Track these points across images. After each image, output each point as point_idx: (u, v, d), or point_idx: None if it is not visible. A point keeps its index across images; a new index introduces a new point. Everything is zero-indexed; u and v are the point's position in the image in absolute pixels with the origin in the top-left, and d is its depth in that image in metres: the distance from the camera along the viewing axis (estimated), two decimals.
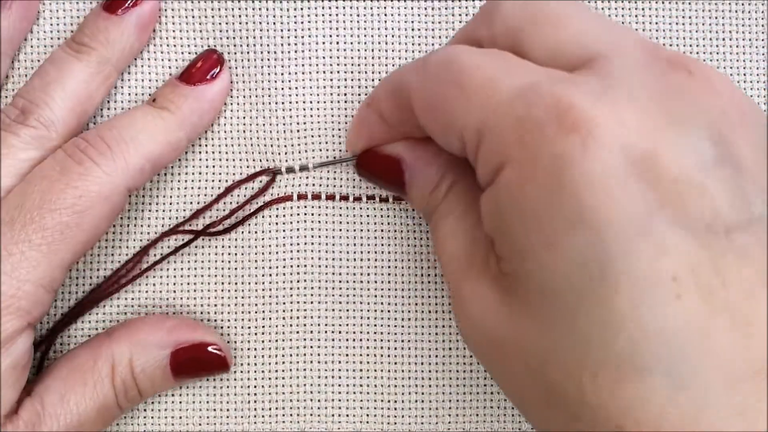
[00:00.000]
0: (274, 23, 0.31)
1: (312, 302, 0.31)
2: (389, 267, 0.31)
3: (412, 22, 0.32)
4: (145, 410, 0.31)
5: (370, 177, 0.29)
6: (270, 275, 0.31)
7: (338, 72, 0.31)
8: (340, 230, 0.31)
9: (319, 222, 0.31)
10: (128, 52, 0.30)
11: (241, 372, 0.31)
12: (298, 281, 0.31)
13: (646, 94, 0.21)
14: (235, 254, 0.31)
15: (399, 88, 0.26)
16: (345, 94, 0.31)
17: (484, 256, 0.24)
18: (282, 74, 0.31)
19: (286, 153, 0.31)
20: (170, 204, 0.31)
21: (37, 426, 0.27)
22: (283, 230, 0.31)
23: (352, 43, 0.31)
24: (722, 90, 0.22)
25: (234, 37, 0.31)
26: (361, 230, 0.31)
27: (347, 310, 0.31)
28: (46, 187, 0.27)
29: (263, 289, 0.31)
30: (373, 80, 0.31)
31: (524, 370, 0.22)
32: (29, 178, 0.28)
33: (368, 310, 0.31)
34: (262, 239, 0.31)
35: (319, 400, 0.31)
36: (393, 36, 0.32)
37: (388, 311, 0.31)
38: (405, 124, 0.27)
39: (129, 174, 0.28)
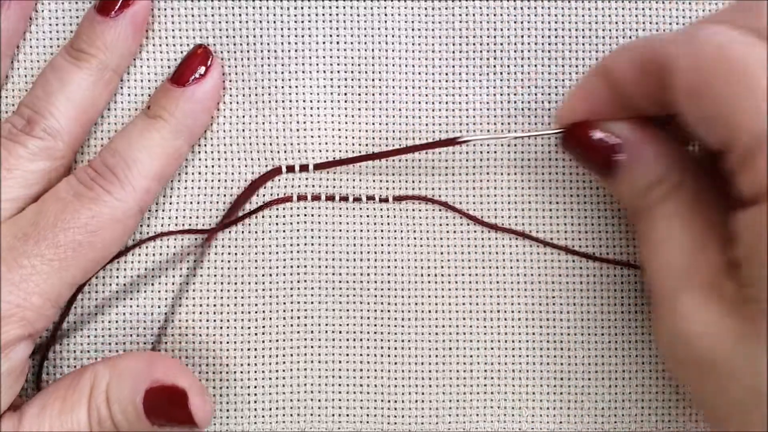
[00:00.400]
0: (274, 22, 0.31)
1: (312, 302, 0.31)
2: (389, 267, 0.31)
3: (412, 22, 0.32)
4: None
5: (578, 152, 0.28)
6: (270, 275, 0.31)
7: (338, 72, 0.31)
8: (340, 230, 0.31)
9: (319, 222, 0.31)
10: (126, 55, 0.30)
11: (241, 372, 0.31)
12: (298, 281, 0.31)
13: None
14: (235, 254, 0.31)
15: (652, 60, 0.24)
16: (345, 94, 0.31)
17: (713, 271, 0.24)
18: (282, 73, 0.31)
19: (285, 152, 0.31)
20: (170, 204, 0.31)
21: None
22: (283, 230, 0.31)
23: (352, 43, 0.31)
24: None
25: (234, 36, 0.31)
26: (361, 230, 0.31)
27: (347, 311, 0.31)
28: (60, 208, 0.28)
29: (263, 289, 0.31)
30: (373, 80, 0.31)
31: (745, 394, 0.22)
32: (44, 199, 0.28)
33: (368, 310, 0.31)
34: (262, 239, 0.31)
35: (319, 400, 0.31)
36: (393, 36, 0.32)
37: (388, 311, 0.31)
38: (646, 98, 0.25)
39: (138, 197, 0.29)
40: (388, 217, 0.31)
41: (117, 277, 0.31)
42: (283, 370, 0.31)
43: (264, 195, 0.31)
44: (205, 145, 0.31)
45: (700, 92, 0.23)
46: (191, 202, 0.31)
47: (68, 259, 0.27)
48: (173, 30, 0.31)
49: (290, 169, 0.31)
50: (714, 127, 0.23)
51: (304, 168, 0.31)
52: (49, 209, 0.28)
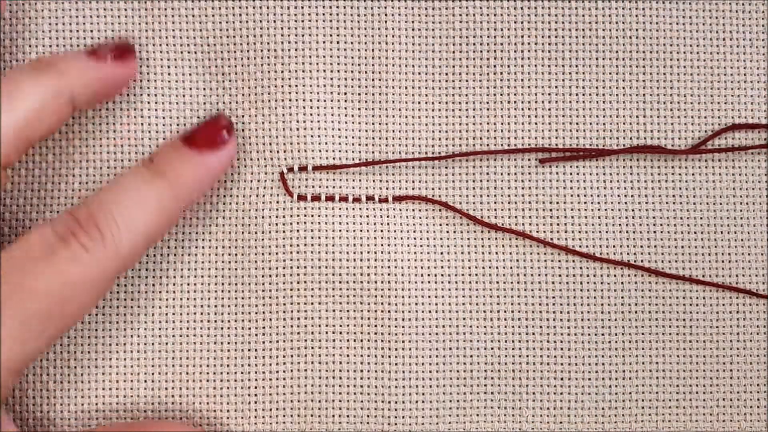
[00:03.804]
0: (274, 22, 0.31)
1: (312, 303, 0.31)
2: (389, 267, 0.31)
3: (412, 22, 0.32)
4: (146, 411, 0.31)
5: None
6: (270, 276, 0.31)
7: (338, 72, 0.31)
8: (340, 231, 0.31)
9: (319, 223, 0.31)
10: (90, 84, 0.28)
11: (242, 373, 0.31)
12: (298, 282, 0.31)
13: None
14: (235, 255, 0.31)
15: None
16: (345, 94, 0.31)
17: None
18: (282, 73, 0.31)
19: (285, 152, 0.31)
20: None
21: None
22: (283, 231, 0.31)
23: (352, 43, 0.31)
24: None
25: (234, 36, 0.31)
26: (361, 230, 0.31)
27: (347, 311, 0.31)
28: (29, 269, 0.25)
29: (263, 290, 0.31)
30: (373, 80, 0.31)
31: None
32: (12, 253, 0.25)
33: (368, 311, 0.31)
34: (262, 240, 0.31)
35: (319, 401, 0.31)
36: (393, 36, 0.31)
37: (388, 311, 0.31)
38: None
39: (119, 260, 0.26)
40: (388, 217, 0.31)
41: (117, 277, 0.31)
42: (284, 371, 0.31)
43: (265, 195, 0.31)
44: None
45: None
46: None
47: (35, 331, 0.24)
48: (173, 30, 0.31)
49: (289, 170, 0.31)
50: None
51: (303, 169, 0.31)
52: (14, 270, 0.24)
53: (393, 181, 0.31)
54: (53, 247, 0.25)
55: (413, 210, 0.31)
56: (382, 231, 0.31)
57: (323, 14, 0.31)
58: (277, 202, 0.31)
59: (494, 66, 0.32)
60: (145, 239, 0.27)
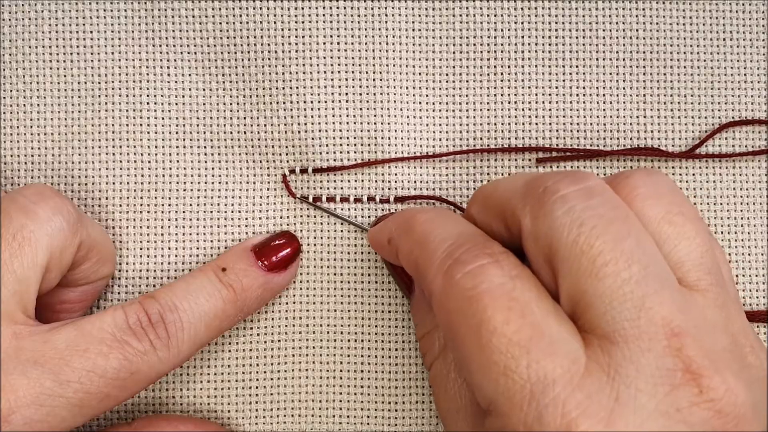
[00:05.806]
0: (274, 23, 0.31)
1: (315, 302, 0.31)
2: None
3: (412, 22, 0.31)
4: (146, 411, 0.31)
5: (390, 268, 0.30)
6: None
7: (338, 72, 0.31)
8: (342, 231, 0.31)
9: (321, 223, 0.31)
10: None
11: (243, 373, 0.31)
12: (300, 282, 0.31)
13: (649, 415, 0.21)
14: None
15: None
16: (345, 94, 0.31)
17: None
18: (283, 74, 0.31)
19: (287, 154, 0.31)
20: (169, 206, 0.31)
21: None
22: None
23: (352, 43, 0.31)
24: (729, 410, 0.21)
25: (234, 37, 0.31)
26: (362, 231, 0.31)
27: (348, 311, 0.31)
28: (103, 352, 0.26)
29: None
30: (374, 80, 0.31)
31: None
32: (83, 329, 0.26)
33: (369, 311, 0.31)
34: None
35: (320, 401, 0.31)
36: (393, 36, 0.31)
37: (389, 312, 0.31)
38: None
39: (177, 362, 0.27)
40: None
41: (119, 278, 0.31)
42: (285, 371, 0.31)
43: (268, 197, 0.31)
44: (206, 147, 0.31)
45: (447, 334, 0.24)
46: (191, 204, 0.31)
47: (88, 409, 0.25)
48: (173, 30, 0.31)
49: (291, 172, 0.31)
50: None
51: (304, 171, 0.31)
52: (90, 349, 0.25)
53: (393, 181, 0.31)
54: (126, 336, 0.26)
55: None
56: None
57: (323, 15, 0.31)
58: (281, 204, 0.31)
59: (494, 66, 0.32)
60: (201, 345, 0.28)
